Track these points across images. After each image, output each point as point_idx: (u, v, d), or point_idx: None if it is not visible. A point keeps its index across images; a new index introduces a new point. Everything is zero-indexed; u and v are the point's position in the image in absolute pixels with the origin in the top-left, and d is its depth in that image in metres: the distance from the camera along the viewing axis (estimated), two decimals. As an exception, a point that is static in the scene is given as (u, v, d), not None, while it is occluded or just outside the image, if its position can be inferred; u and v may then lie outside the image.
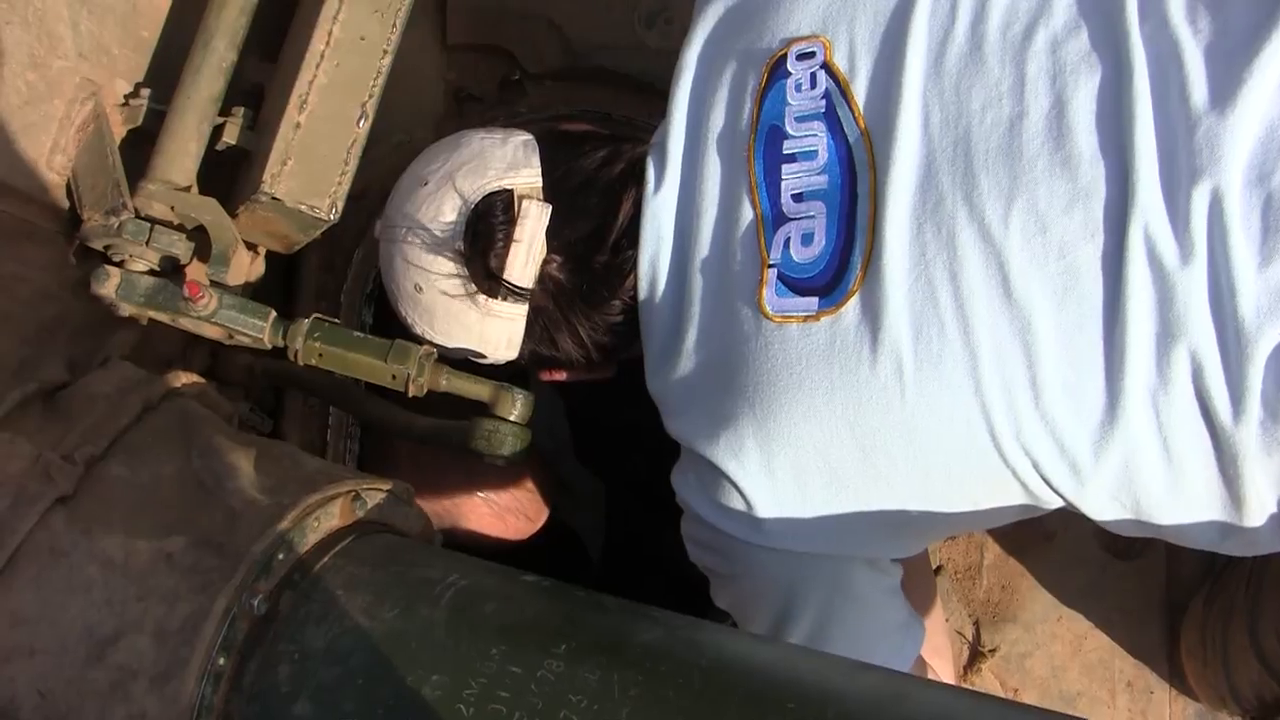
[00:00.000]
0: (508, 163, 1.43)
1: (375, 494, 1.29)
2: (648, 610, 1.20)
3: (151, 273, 1.42)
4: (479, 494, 1.80)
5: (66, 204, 1.46)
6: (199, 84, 1.44)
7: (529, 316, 1.45)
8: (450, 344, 1.49)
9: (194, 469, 1.26)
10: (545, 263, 1.42)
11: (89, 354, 1.41)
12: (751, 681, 1.07)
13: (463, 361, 1.50)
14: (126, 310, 1.42)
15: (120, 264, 1.42)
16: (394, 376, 1.41)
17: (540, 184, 1.43)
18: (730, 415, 1.31)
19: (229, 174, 1.55)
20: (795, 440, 1.28)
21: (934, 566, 1.76)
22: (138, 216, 1.40)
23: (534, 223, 1.40)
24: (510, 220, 1.40)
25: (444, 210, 1.42)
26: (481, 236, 1.41)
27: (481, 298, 1.43)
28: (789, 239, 1.31)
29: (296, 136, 1.41)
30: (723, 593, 1.45)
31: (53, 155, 1.44)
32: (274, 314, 1.42)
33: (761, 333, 1.29)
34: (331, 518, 1.24)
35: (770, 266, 1.30)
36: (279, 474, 1.27)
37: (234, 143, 1.48)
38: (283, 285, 1.80)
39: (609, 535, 2.30)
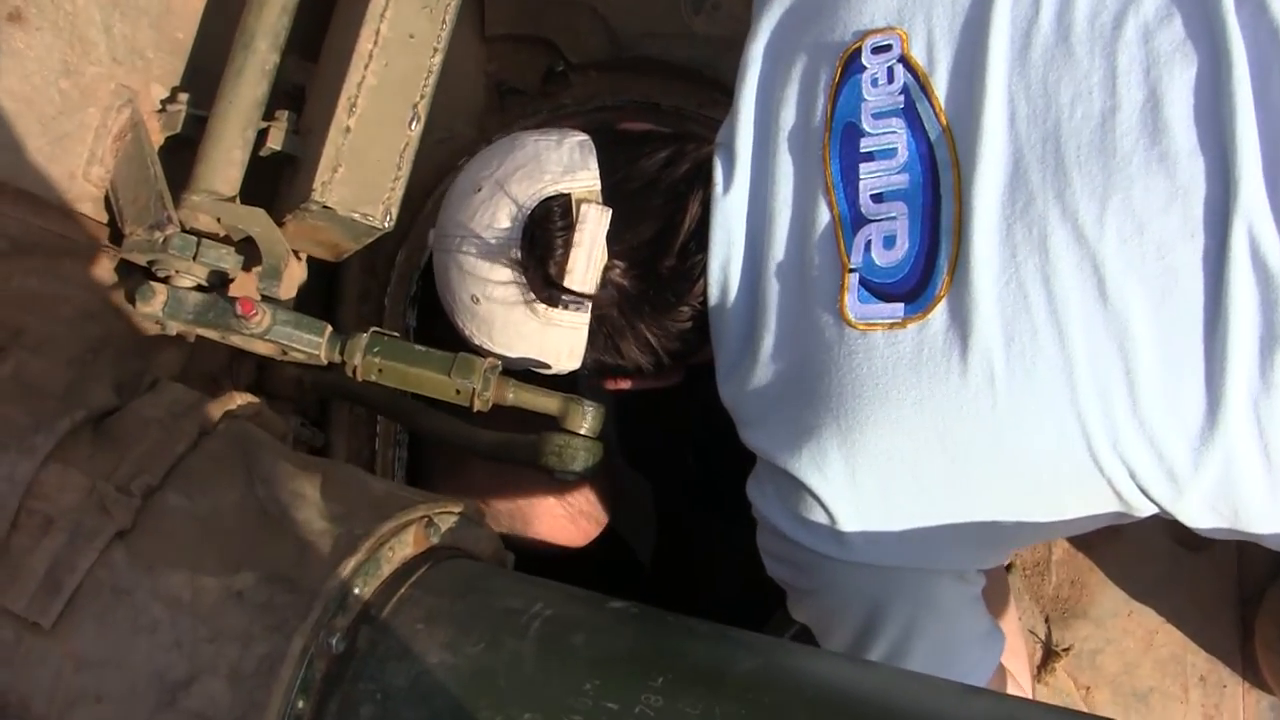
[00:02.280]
0: (564, 166, 1.38)
1: (447, 518, 1.24)
2: (740, 635, 1.15)
3: (199, 288, 1.37)
4: (554, 495, 1.73)
5: (106, 217, 1.40)
6: (241, 88, 1.38)
7: (592, 325, 1.39)
8: (510, 355, 1.44)
9: (257, 498, 1.21)
10: (607, 269, 1.37)
11: (136, 375, 1.35)
12: (859, 712, 1.02)
13: (523, 372, 1.44)
14: (174, 328, 1.36)
15: (165, 280, 1.36)
16: (458, 391, 1.35)
17: (599, 187, 1.37)
18: (813, 427, 1.26)
19: (268, 180, 1.48)
20: (882, 453, 1.23)
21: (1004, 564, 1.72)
22: (183, 230, 1.34)
23: (593, 227, 1.34)
24: (569, 226, 1.35)
25: (498, 217, 1.37)
26: (539, 244, 1.35)
27: (541, 307, 1.37)
28: (870, 241, 1.25)
29: (347, 141, 1.35)
30: (801, 607, 1.41)
31: (89, 166, 1.38)
32: (330, 328, 1.36)
33: (844, 341, 1.24)
34: (405, 546, 1.18)
35: (851, 271, 1.25)
36: (347, 500, 1.21)
37: (279, 148, 1.41)
38: (323, 289, 1.74)
39: (660, 537, 2.25)
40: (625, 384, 1.50)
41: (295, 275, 1.42)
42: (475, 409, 1.36)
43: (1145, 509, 1.24)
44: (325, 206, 1.34)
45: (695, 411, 1.64)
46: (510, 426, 1.45)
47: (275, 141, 1.41)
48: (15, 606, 1.13)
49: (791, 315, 1.30)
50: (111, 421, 1.28)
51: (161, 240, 1.32)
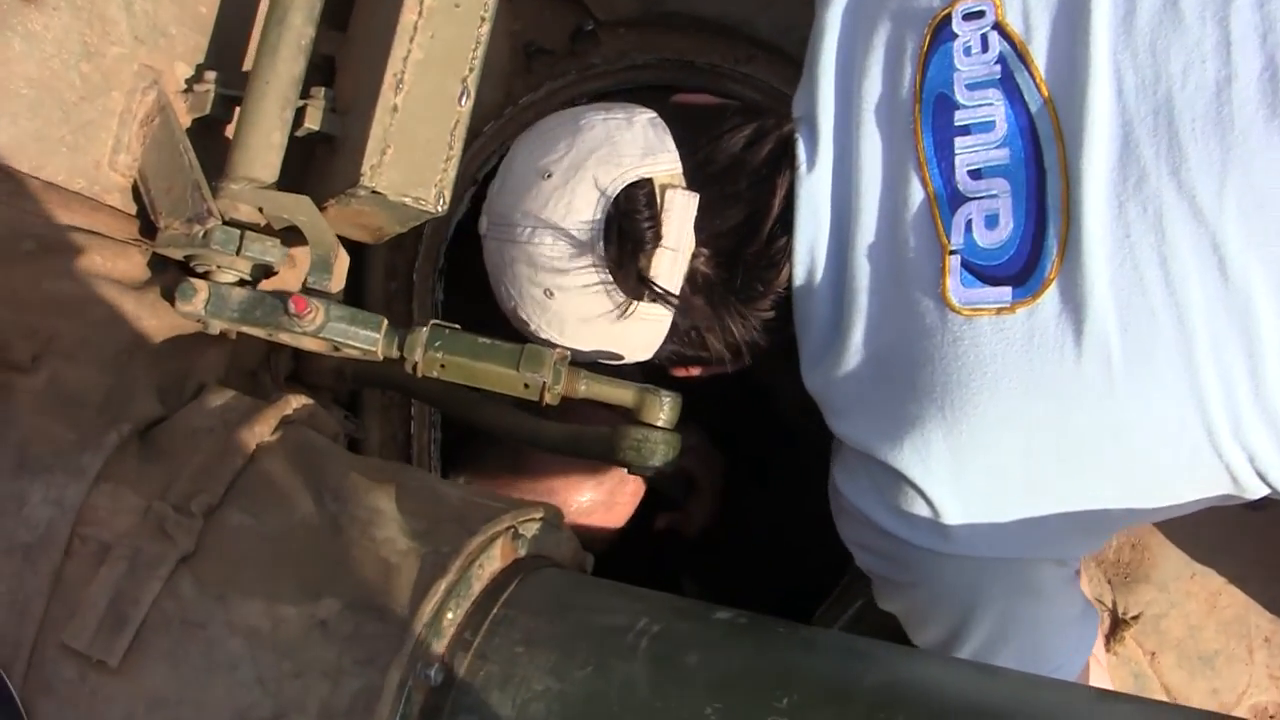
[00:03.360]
0: (641, 147, 1.29)
1: (531, 525, 1.17)
2: (858, 645, 1.10)
3: (241, 283, 1.27)
4: (583, 472, 1.65)
5: (135, 208, 1.30)
6: (276, 66, 1.27)
7: (675, 317, 1.32)
8: (582, 349, 1.36)
9: (330, 514, 1.13)
10: (693, 257, 1.29)
11: (177, 378, 1.26)
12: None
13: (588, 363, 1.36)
14: (216, 327, 1.26)
15: (205, 275, 1.27)
16: (527, 385, 1.26)
17: (680, 170, 1.29)
18: (915, 418, 1.19)
19: (299, 159, 1.38)
20: (991, 444, 1.17)
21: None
22: (223, 222, 1.24)
23: (681, 215, 1.26)
24: (655, 215, 1.27)
25: (576, 206, 1.28)
26: (627, 235, 1.27)
27: (625, 300, 1.29)
28: (970, 221, 1.18)
29: (394, 121, 1.25)
30: (893, 599, 1.35)
31: (115, 155, 1.27)
32: (386, 322, 1.27)
33: (948, 327, 1.17)
34: (493, 561, 1.11)
35: (952, 253, 1.18)
36: (426, 514, 1.14)
37: (318, 128, 1.31)
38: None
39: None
40: (697, 371, 1.42)
41: (345, 266, 1.32)
42: (544, 403, 1.28)
43: (1258, 492, 1.20)
44: (375, 191, 1.24)
45: (734, 385, 1.56)
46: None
47: (313, 121, 1.31)
48: (77, 643, 1.05)
49: (884, 299, 1.22)
50: (158, 432, 1.20)
51: (202, 234, 1.22)
